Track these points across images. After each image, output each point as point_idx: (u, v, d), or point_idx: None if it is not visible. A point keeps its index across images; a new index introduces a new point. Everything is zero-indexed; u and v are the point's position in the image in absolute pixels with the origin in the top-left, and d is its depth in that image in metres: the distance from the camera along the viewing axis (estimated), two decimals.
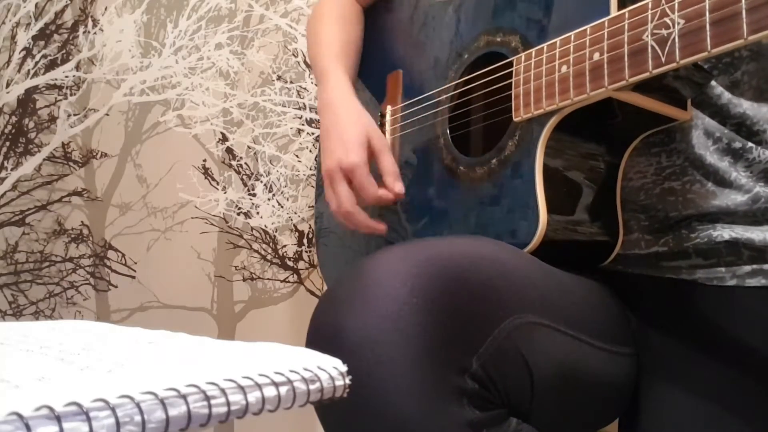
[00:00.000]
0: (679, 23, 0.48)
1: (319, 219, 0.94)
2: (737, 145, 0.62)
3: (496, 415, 0.48)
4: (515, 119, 0.62)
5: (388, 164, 0.75)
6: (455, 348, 0.46)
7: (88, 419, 0.23)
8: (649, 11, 0.51)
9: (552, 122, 0.59)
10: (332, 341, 0.45)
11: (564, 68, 0.57)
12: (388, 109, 0.83)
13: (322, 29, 0.89)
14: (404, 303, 0.45)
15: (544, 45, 0.59)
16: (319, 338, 0.47)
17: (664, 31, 0.49)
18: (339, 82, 0.82)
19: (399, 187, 0.74)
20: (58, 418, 0.22)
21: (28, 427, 0.21)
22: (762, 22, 0.44)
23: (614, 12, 0.54)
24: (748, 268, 0.62)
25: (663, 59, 0.50)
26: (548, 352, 0.53)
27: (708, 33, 0.46)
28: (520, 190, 0.61)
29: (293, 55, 1.25)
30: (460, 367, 0.46)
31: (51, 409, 0.22)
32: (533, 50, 0.61)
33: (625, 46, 0.52)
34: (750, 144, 0.62)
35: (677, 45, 0.49)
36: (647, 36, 0.51)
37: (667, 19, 0.49)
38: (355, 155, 0.73)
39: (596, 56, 0.54)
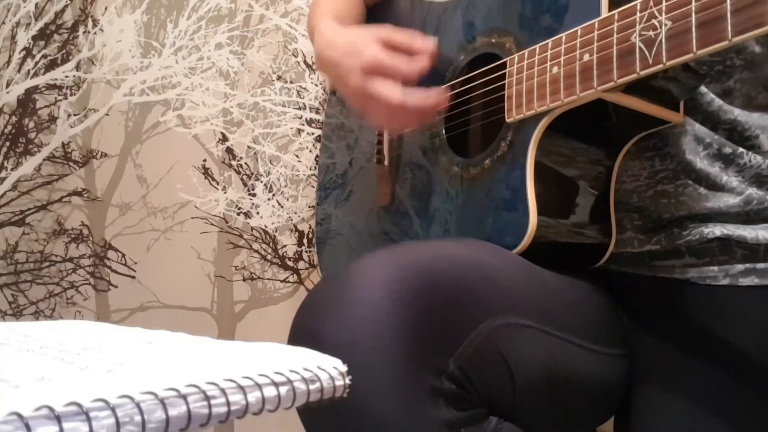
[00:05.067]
0: (666, 25, 0.49)
1: (325, 221, 0.94)
2: (728, 150, 0.62)
3: (475, 415, 0.48)
4: (508, 120, 0.62)
5: (403, 37, 0.68)
6: (432, 350, 0.46)
7: (88, 419, 0.23)
8: (638, 13, 0.51)
9: (543, 123, 0.59)
10: (310, 344, 0.46)
11: (555, 69, 0.57)
12: None
13: (317, 12, 0.88)
14: (381, 307, 0.46)
15: (537, 46, 0.60)
16: (297, 341, 0.48)
17: (652, 33, 0.50)
18: (327, 25, 0.78)
19: (429, 42, 0.66)
20: (58, 418, 0.22)
21: (28, 427, 0.21)
22: (746, 23, 0.44)
23: (605, 13, 0.55)
24: (741, 267, 0.62)
25: (650, 60, 0.50)
26: (531, 353, 0.54)
27: (694, 35, 0.47)
28: (512, 191, 0.61)
29: (293, 55, 1.25)
30: (436, 368, 0.46)
31: (51, 409, 0.22)
32: (526, 51, 0.61)
33: (614, 47, 0.53)
34: (741, 149, 0.62)
35: (664, 46, 0.49)
36: (635, 37, 0.51)
37: (654, 21, 0.50)
38: (369, 49, 0.67)
39: (586, 57, 0.55)
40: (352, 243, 0.87)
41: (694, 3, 0.47)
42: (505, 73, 0.63)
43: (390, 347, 0.45)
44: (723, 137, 0.63)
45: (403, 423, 0.44)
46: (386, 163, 0.82)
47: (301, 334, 0.49)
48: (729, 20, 0.45)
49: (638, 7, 0.51)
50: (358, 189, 0.87)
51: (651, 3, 0.50)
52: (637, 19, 0.51)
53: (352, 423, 0.45)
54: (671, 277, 0.64)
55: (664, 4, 0.49)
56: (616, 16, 0.53)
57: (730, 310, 0.61)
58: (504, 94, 0.63)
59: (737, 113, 0.62)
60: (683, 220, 0.63)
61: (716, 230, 0.61)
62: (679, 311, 0.64)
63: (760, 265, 0.61)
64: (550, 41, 0.58)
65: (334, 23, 0.78)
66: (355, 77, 0.68)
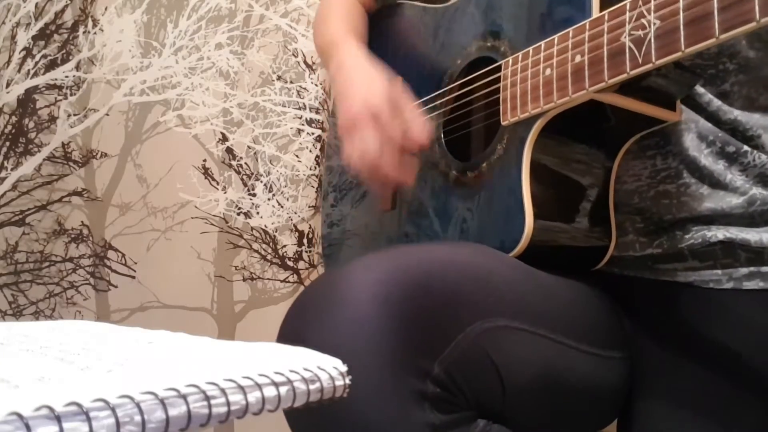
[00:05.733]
0: (655, 24, 0.49)
1: (342, 222, 0.94)
2: (731, 148, 0.62)
3: (461, 418, 0.48)
4: (503, 123, 0.62)
5: (409, 109, 0.68)
6: (416, 353, 0.46)
7: (88, 419, 0.23)
8: (627, 13, 0.51)
9: (538, 125, 0.59)
10: (296, 345, 0.46)
11: (548, 71, 0.57)
12: None
13: (330, 18, 0.88)
14: (366, 309, 0.46)
15: (530, 48, 0.60)
16: (285, 342, 0.48)
17: (641, 32, 0.50)
18: (351, 48, 0.79)
19: (425, 133, 0.66)
20: (58, 418, 0.22)
21: (28, 427, 0.21)
22: (733, 20, 0.44)
23: (596, 14, 0.54)
24: (745, 270, 0.61)
25: (640, 60, 0.50)
26: (524, 356, 0.53)
27: (682, 33, 0.47)
28: (508, 194, 0.61)
29: (293, 55, 1.25)
30: (421, 371, 0.46)
31: (51, 409, 0.22)
32: (519, 54, 0.61)
33: (605, 47, 0.52)
34: (745, 148, 0.62)
35: (653, 46, 0.49)
36: (625, 37, 0.51)
37: (644, 20, 0.50)
38: (380, 97, 0.67)
39: (578, 58, 0.55)
40: (367, 243, 0.88)
41: (681, 1, 0.47)
42: (500, 76, 0.63)
43: (375, 350, 0.45)
44: (726, 135, 0.62)
45: (386, 426, 0.44)
46: None
47: (288, 336, 0.49)
48: (716, 17, 0.45)
49: (627, 7, 0.51)
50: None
51: (640, 2, 0.50)
52: (627, 19, 0.51)
53: (336, 426, 0.45)
54: (674, 281, 0.64)
55: (652, 3, 0.49)
56: (606, 17, 0.53)
57: (733, 313, 0.61)
58: (499, 97, 0.63)
59: (737, 114, 0.62)
60: (685, 223, 0.63)
61: (719, 233, 0.61)
62: (681, 315, 0.63)
63: (765, 269, 0.61)
64: (542, 43, 0.58)
65: (357, 45, 0.80)
66: (356, 106, 0.68)
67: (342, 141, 0.72)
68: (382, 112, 0.66)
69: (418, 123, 0.67)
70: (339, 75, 0.76)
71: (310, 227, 1.21)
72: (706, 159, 0.62)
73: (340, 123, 0.72)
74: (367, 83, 0.70)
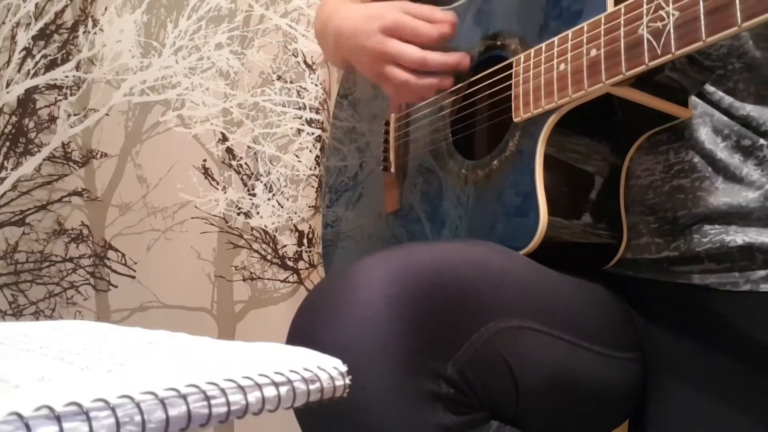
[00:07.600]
0: (673, 15, 0.49)
1: (336, 223, 0.93)
2: (746, 142, 0.61)
3: (474, 420, 0.48)
4: (515, 120, 0.62)
5: (424, 7, 0.69)
6: (429, 354, 0.46)
7: (88, 419, 0.23)
8: (644, 5, 0.51)
9: (551, 121, 0.59)
10: (307, 346, 0.46)
11: (562, 66, 0.57)
12: (392, 117, 0.83)
13: (326, 8, 0.88)
14: (377, 309, 0.45)
15: (543, 44, 0.60)
16: (295, 342, 0.48)
17: (660, 24, 0.50)
18: (344, 9, 0.78)
19: (449, 14, 0.68)
20: (58, 418, 0.22)
21: (28, 427, 0.21)
22: (757, 7, 0.44)
23: (611, 8, 0.55)
24: (762, 272, 0.60)
25: (659, 51, 0.50)
26: (537, 357, 0.53)
27: (702, 22, 0.47)
28: (521, 191, 0.60)
29: (293, 55, 1.25)
30: (434, 372, 0.46)
31: (51, 409, 0.22)
32: (532, 50, 0.61)
33: (622, 40, 0.52)
34: (761, 141, 0.61)
35: (672, 36, 0.49)
36: (643, 29, 0.51)
37: (662, 12, 0.50)
38: (391, 12, 0.68)
39: (593, 52, 0.55)
40: (363, 245, 0.87)
41: None
42: (511, 73, 0.63)
43: (386, 350, 0.44)
44: (742, 128, 0.61)
45: (399, 427, 0.44)
46: (392, 169, 0.81)
47: (298, 336, 0.48)
48: (738, 5, 0.44)
49: (645, 0, 0.51)
50: (368, 192, 0.87)
51: None
52: (644, 11, 0.51)
53: (348, 427, 0.44)
54: (690, 283, 0.63)
55: None
56: (622, 10, 0.53)
57: (750, 314, 0.60)
58: (510, 95, 0.63)
59: (750, 109, 0.61)
60: (702, 224, 0.62)
61: (738, 238, 0.60)
62: (697, 316, 0.63)
63: None
64: (556, 39, 0.58)
65: (353, 2, 0.79)
66: (375, 38, 0.68)
67: (381, 81, 0.72)
68: (399, 19, 0.67)
69: (437, 12, 0.68)
70: (345, 24, 0.75)
71: (310, 227, 1.21)
72: (722, 152, 0.61)
73: (368, 68, 0.71)
74: (372, 12, 0.70)
